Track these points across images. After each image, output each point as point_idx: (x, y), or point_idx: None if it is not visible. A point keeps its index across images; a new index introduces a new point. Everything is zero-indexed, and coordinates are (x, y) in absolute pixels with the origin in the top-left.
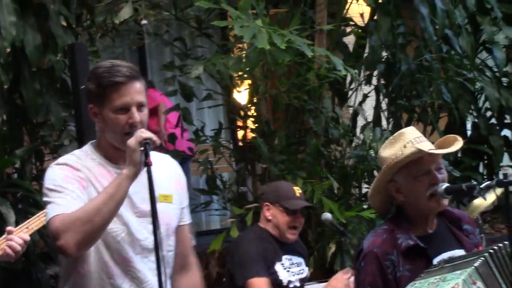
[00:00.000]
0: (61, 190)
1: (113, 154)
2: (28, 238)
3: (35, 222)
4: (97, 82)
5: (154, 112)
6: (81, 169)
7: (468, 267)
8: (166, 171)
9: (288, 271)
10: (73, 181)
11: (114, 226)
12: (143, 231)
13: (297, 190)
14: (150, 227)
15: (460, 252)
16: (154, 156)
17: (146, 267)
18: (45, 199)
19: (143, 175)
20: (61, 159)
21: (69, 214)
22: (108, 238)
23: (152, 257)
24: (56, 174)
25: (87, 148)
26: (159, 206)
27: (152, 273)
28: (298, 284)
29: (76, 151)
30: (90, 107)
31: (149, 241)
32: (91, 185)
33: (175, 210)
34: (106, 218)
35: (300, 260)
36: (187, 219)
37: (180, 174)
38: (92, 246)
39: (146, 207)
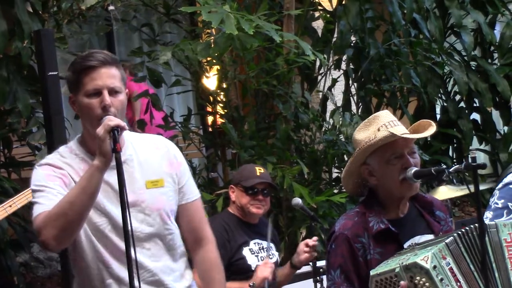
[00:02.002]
0: (43, 189)
1: (95, 147)
2: None
3: (20, 199)
4: (72, 69)
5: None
6: (63, 166)
7: (439, 244)
8: (157, 153)
9: (256, 256)
10: (55, 179)
11: (99, 219)
12: (132, 221)
13: (259, 170)
14: (138, 216)
15: (430, 237)
16: (144, 138)
17: (140, 254)
18: (31, 200)
19: (126, 165)
20: (44, 160)
21: (48, 211)
22: (96, 231)
23: (147, 245)
24: (38, 174)
25: (72, 143)
26: (147, 194)
27: (150, 259)
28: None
29: (61, 148)
30: (70, 96)
31: (139, 230)
32: (73, 181)
33: (168, 193)
34: (80, 211)
35: (269, 244)
36: (192, 196)
37: (174, 154)
38: (72, 238)
39: (133, 196)
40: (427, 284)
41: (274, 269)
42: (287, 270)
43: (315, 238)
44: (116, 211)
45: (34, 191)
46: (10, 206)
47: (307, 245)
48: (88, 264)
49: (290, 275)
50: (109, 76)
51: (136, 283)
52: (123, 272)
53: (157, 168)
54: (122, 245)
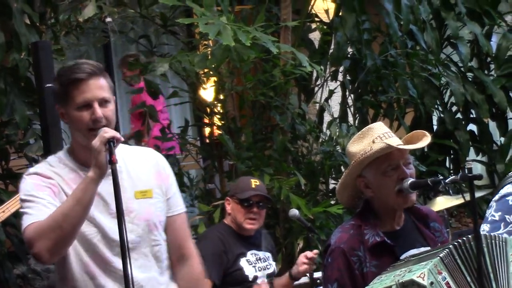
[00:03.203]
0: (33, 199)
1: (85, 157)
2: None
3: (12, 205)
4: (59, 81)
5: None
6: (52, 176)
7: (433, 258)
8: (146, 165)
9: (254, 266)
10: (44, 189)
11: (88, 229)
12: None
13: (254, 182)
14: (127, 226)
15: (425, 250)
16: (133, 150)
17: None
18: (21, 210)
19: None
20: (32, 169)
21: (40, 222)
22: (84, 241)
23: (135, 255)
24: (27, 184)
25: (61, 153)
26: (136, 204)
27: (137, 270)
28: (265, 279)
29: (50, 157)
30: (57, 107)
31: (128, 240)
32: (62, 191)
33: (156, 204)
34: (74, 223)
35: (267, 255)
36: (178, 209)
37: (163, 165)
38: (66, 250)
39: (122, 206)
40: None
41: (270, 279)
42: (285, 281)
43: (315, 251)
44: (105, 221)
45: (23, 200)
46: (3, 211)
47: (306, 257)
48: (74, 276)
49: (288, 286)
50: (98, 88)
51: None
52: (109, 284)
53: (146, 179)
54: (109, 255)
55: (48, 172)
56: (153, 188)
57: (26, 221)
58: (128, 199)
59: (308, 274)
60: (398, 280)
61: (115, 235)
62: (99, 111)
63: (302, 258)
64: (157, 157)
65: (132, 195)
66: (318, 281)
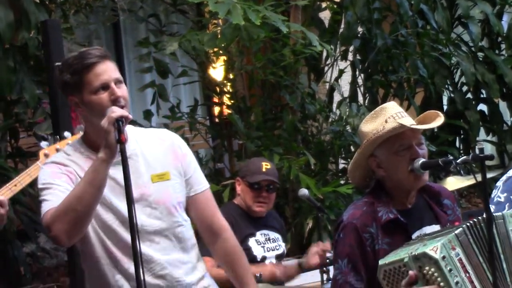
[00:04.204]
0: (50, 187)
1: (100, 144)
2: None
3: (24, 178)
4: (71, 70)
5: None
6: (69, 164)
7: (449, 235)
8: (161, 147)
9: (262, 246)
10: (61, 176)
11: (106, 215)
12: (138, 215)
13: (265, 166)
14: (145, 210)
15: (437, 228)
16: (148, 133)
17: (150, 248)
18: (39, 199)
19: (132, 159)
20: (49, 159)
21: (56, 207)
22: (105, 228)
23: (156, 238)
24: (44, 173)
25: (76, 142)
26: (153, 187)
27: (160, 253)
28: (274, 260)
29: (66, 147)
30: (70, 99)
31: (147, 224)
32: (79, 178)
33: (175, 186)
34: (88, 205)
35: (276, 235)
36: (200, 187)
37: (179, 145)
38: (83, 232)
39: (138, 191)
40: (435, 274)
41: (279, 260)
42: (294, 271)
43: (328, 244)
44: (122, 206)
45: (41, 189)
46: (15, 185)
47: (321, 249)
48: (98, 260)
49: (296, 274)
50: (111, 69)
51: (142, 277)
52: (132, 268)
53: (162, 161)
54: (129, 240)
55: (65, 160)
56: (170, 170)
57: (45, 208)
58: (145, 183)
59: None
60: (411, 253)
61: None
62: (117, 90)
63: (315, 248)
64: (173, 137)
65: (148, 179)
66: (328, 260)
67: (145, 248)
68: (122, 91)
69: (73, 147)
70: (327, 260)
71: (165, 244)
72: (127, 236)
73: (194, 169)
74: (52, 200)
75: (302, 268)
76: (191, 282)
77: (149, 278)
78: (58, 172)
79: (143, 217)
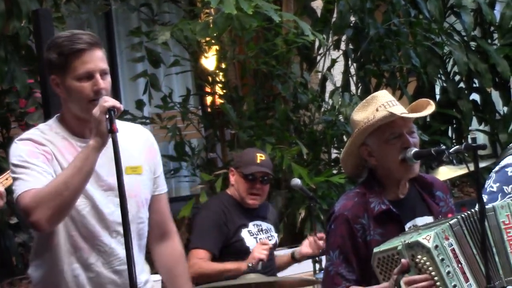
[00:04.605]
0: (27, 166)
1: (78, 127)
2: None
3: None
4: (58, 51)
5: None
6: (45, 143)
7: (443, 225)
8: (136, 141)
9: (255, 237)
10: (38, 155)
11: (78, 201)
12: (109, 205)
13: (260, 157)
14: (117, 200)
15: (430, 219)
16: (124, 126)
17: (114, 241)
18: (12, 175)
19: (109, 148)
20: (24, 134)
21: (38, 190)
22: (73, 213)
23: (121, 230)
24: (21, 150)
25: (52, 121)
26: (127, 179)
27: (122, 247)
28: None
29: (41, 125)
30: (52, 78)
31: (116, 215)
32: (55, 159)
33: (145, 182)
34: (75, 192)
35: (269, 226)
36: (162, 188)
37: (152, 143)
38: (63, 218)
39: (113, 180)
40: (427, 263)
41: (271, 250)
42: (286, 260)
43: (321, 234)
44: (96, 194)
45: (16, 165)
46: (6, 179)
47: (313, 240)
48: (58, 243)
49: (289, 264)
50: (99, 59)
51: (103, 269)
52: (91, 258)
53: (136, 155)
54: (97, 228)
55: (41, 139)
56: (143, 165)
57: (21, 188)
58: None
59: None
60: (405, 241)
61: (105, 208)
62: (101, 82)
63: (310, 239)
64: (148, 134)
65: (123, 169)
66: (320, 250)
67: (109, 239)
68: (106, 83)
69: (48, 127)
70: (320, 251)
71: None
72: (94, 224)
73: (161, 169)
74: (29, 181)
75: (295, 258)
76: (141, 281)
77: (105, 271)
78: (35, 151)
79: (112, 207)
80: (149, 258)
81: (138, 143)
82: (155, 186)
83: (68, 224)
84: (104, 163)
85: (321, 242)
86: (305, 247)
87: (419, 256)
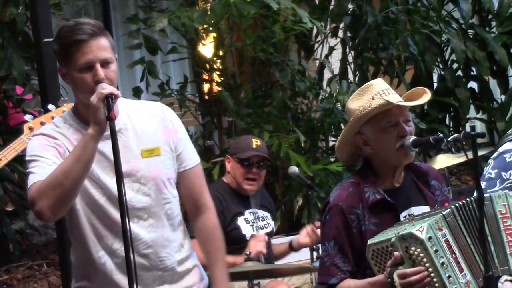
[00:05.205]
0: (37, 159)
1: (89, 117)
2: None
3: (9, 152)
4: (60, 42)
5: None
6: (57, 136)
7: (437, 215)
8: (153, 121)
9: (252, 225)
10: (49, 148)
11: (94, 190)
12: (127, 191)
13: (255, 142)
14: (134, 186)
15: (425, 208)
16: (138, 106)
17: (135, 225)
18: (26, 171)
19: (121, 135)
20: (38, 130)
21: (42, 181)
22: (91, 203)
23: (145, 215)
24: (33, 145)
25: (66, 113)
26: (143, 163)
27: (145, 230)
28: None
29: (56, 118)
30: (59, 68)
31: (135, 200)
32: (67, 151)
33: (165, 161)
34: (75, 181)
35: (265, 214)
36: (190, 163)
37: (170, 120)
38: (67, 208)
39: (126, 166)
40: (421, 254)
41: (267, 240)
42: (283, 249)
43: (318, 223)
44: (111, 182)
45: (28, 161)
46: (0, 159)
47: (311, 229)
48: (83, 233)
49: (286, 254)
50: (100, 48)
51: (131, 255)
52: (116, 244)
53: (153, 136)
54: (117, 216)
55: (54, 133)
56: (160, 145)
57: (31, 181)
58: (134, 158)
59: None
60: (398, 233)
61: None
62: (101, 72)
63: (308, 229)
64: (165, 111)
65: (138, 153)
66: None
67: (132, 225)
68: (108, 72)
69: (63, 119)
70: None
71: (152, 221)
72: (113, 212)
73: (185, 144)
74: (39, 173)
75: (293, 247)
76: (175, 261)
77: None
78: (46, 144)
79: (131, 193)
80: None
81: (153, 123)
82: (178, 163)
83: (89, 214)
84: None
85: (319, 231)
86: (303, 237)
87: (412, 248)
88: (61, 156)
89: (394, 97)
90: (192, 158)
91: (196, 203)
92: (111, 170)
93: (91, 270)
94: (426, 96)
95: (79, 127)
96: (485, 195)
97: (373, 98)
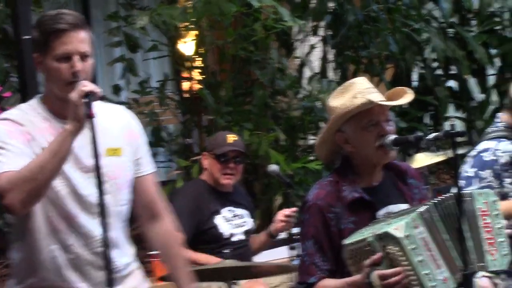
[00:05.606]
0: (4, 147)
1: (59, 108)
2: None
3: None
4: (40, 29)
5: None
6: (25, 123)
7: (413, 213)
8: (118, 123)
9: (230, 223)
10: (17, 136)
11: (56, 182)
12: (89, 187)
13: (232, 138)
14: (94, 183)
15: (403, 207)
16: (106, 108)
17: (93, 222)
18: None
19: (89, 129)
20: (4, 114)
21: (14, 173)
22: (52, 194)
23: None
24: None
25: (34, 101)
26: (106, 161)
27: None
28: (243, 236)
29: (22, 105)
30: (35, 56)
31: (95, 197)
32: (34, 140)
33: (126, 163)
34: (50, 176)
35: (243, 212)
36: (147, 169)
37: (134, 125)
38: (37, 202)
39: (92, 162)
40: (399, 253)
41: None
42: (263, 238)
43: (293, 208)
44: (75, 176)
45: None
46: None
47: (284, 215)
48: (35, 225)
49: (266, 242)
50: (80, 41)
51: (82, 251)
52: (71, 239)
53: (117, 137)
54: (75, 210)
55: (21, 119)
56: (123, 147)
57: None
58: (99, 155)
59: (286, 231)
60: (375, 232)
61: (84, 190)
62: (78, 64)
63: (280, 216)
64: (130, 116)
65: (103, 151)
66: (294, 237)
67: (88, 220)
68: (85, 65)
69: (30, 106)
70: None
71: (108, 220)
72: (72, 206)
73: (144, 151)
74: (7, 163)
75: (271, 234)
76: (123, 263)
77: (85, 253)
78: (13, 131)
79: (91, 189)
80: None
81: (118, 125)
82: (136, 167)
83: (47, 205)
84: (84, 145)
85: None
86: (278, 223)
87: (390, 247)
88: (28, 143)
89: (376, 96)
90: (150, 165)
91: (152, 210)
92: (76, 164)
93: (39, 264)
94: (407, 96)
95: (48, 116)
96: (466, 191)
97: (355, 97)
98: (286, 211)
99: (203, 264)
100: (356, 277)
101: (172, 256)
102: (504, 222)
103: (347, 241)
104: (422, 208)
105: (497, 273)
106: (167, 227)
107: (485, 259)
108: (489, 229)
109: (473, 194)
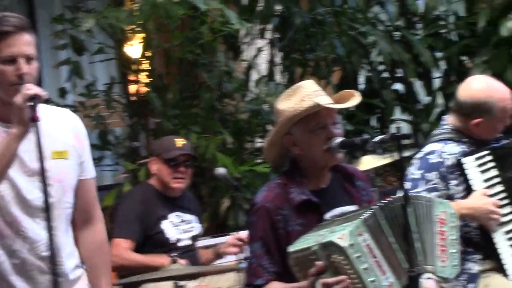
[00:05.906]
0: None
1: (4, 112)
2: None
3: None
4: None
5: None
6: None
7: (357, 219)
8: (64, 126)
9: (177, 228)
10: None
11: (2, 187)
12: (34, 191)
13: (179, 142)
14: (40, 186)
15: (351, 209)
16: (51, 110)
17: (38, 226)
18: None
19: (33, 134)
20: None
21: None
22: None
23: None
24: None
25: None
26: (52, 164)
27: (46, 231)
28: (189, 241)
29: None
30: None
31: (40, 200)
32: None
33: (71, 166)
34: None
35: (191, 217)
36: (88, 173)
37: (80, 128)
38: None
39: (36, 165)
40: (344, 262)
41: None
42: (211, 256)
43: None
44: (20, 180)
45: None
46: None
47: (238, 238)
48: None
49: (213, 261)
50: (25, 43)
51: (28, 256)
52: (16, 245)
53: (63, 140)
54: (20, 215)
55: None
56: (69, 150)
57: None
58: (44, 158)
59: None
60: (319, 241)
61: (29, 194)
62: (24, 67)
63: (232, 240)
64: (75, 119)
65: (48, 154)
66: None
67: (34, 224)
68: (30, 68)
69: None
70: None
71: (53, 224)
72: (16, 211)
73: (88, 155)
74: None
75: (219, 255)
76: (69, 267)
77: (31, 258)
78: None
79: (37, 193)
80: None
81: (64, 128)
82: (80, 171)
83: None
84: (28, 149)
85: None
86: (228, 247)
87: (334, 256)
88: None
89: (324, 99)
90: (91, 170)
91: (87, 214)
92: (20, 168)
93: None
94: (354, 99)
95: None
96: (425, 195)
97: (303, 100)
98: (241, 234)
99: (149, 265)
100: (301, 284)
101: (96, 265)
102: (458, 235)
103: (292, 248)
104: (366, 214)
105: (444, 279)
106: (98, 235)
107: (435, 263)
108: (443, 237)
109: (433, 200)
